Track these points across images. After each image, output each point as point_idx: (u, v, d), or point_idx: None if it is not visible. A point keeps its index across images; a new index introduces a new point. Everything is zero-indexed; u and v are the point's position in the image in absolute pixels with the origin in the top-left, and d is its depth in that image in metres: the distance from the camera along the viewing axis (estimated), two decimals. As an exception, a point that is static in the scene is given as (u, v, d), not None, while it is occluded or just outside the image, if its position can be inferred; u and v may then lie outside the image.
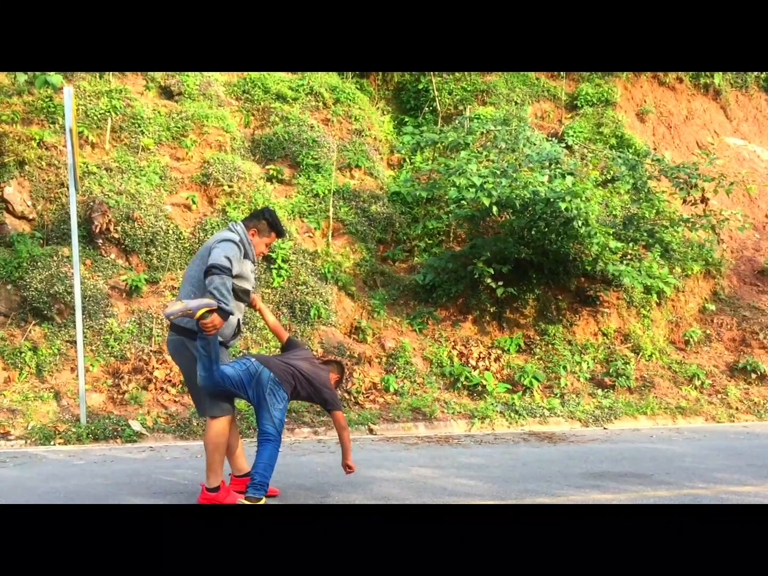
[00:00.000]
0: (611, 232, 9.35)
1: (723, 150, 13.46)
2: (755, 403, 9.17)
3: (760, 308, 11.01)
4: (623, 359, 9.42)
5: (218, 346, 4.22)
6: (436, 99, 12.22)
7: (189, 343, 4.25)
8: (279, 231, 4.63)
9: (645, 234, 10.02)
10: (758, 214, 12.92)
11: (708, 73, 14.10)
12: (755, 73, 14.80)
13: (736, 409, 9.04)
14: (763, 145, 14.34)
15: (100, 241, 8.56)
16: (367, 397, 8.14)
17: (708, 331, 10.50)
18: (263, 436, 4.35)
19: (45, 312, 7.91)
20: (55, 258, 8.22)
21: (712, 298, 11.08)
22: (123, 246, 8.65)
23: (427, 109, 12.27)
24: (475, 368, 8.83)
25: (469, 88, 12.51)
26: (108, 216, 8.54)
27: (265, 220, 4.54)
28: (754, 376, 9.68)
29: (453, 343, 9.23)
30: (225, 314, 4.07)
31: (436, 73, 12.48)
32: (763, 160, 13.99)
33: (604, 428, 8.12)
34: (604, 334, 9.89)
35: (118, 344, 7.92)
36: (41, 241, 8.52)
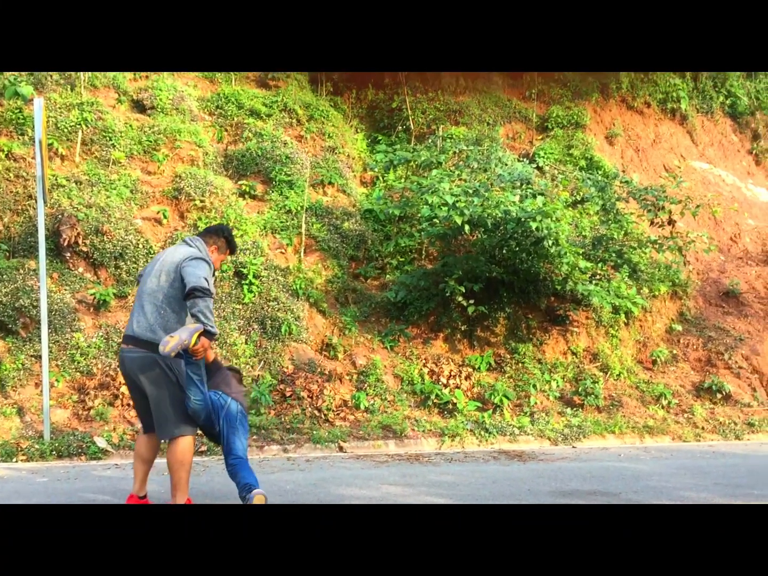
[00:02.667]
0: (581, 252, 9.48)
1: (689, 173, 13.75)
2: (720, 422, 9.31)
3: (725, 329, 11.22)
4: (592, 378, 9.51)
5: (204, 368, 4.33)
6: (410, 118, 12.32)
7: (161, 360, 4.18)
8: (234, 249, 4.79)
9: (613, 254, 10.16)
10: (723, 237, 13.20)
11: (675, 98, 14.44)
12: (720, 98, 15.20)
13: (702, 428, 9.16)
14: (728, 169, 14.68)
15: (68, 254, 8.44)
16: (338, 414, 8.09)
17: (675, 351, 10.66)
18: (237, 460, 4.42)
19: (9, 326, 7.75)
20: (22, 271, 8.07)
21: (679, 318, 11.27)
22: (91, 260, 8.53)
23: (400, 127, 12.36)
24: (445, 386, 8.85)
25: (442, 108, 12.64)
26: (77, 229, 8.43)
27: (224, 238, 4.65)
28: (719, 396, 9.84)
29: (424, 361, 9.24)
30: (212, 336, 4.14)
31: (410, 92, 12.59)
32: (728, 184, 14.32)
33: (573, 447, 8.17)
34: (573, 353, 9.98)
35: (84, 359, 7.78)
36: (7, 254, 8.37)
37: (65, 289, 8.25)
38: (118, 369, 7.62)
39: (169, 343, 3.99)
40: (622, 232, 10.54)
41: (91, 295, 8.27)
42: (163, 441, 4.54)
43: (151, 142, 9.95)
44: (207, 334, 4.09)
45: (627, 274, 10.13)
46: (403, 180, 11.17)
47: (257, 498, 4.16)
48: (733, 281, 12.13)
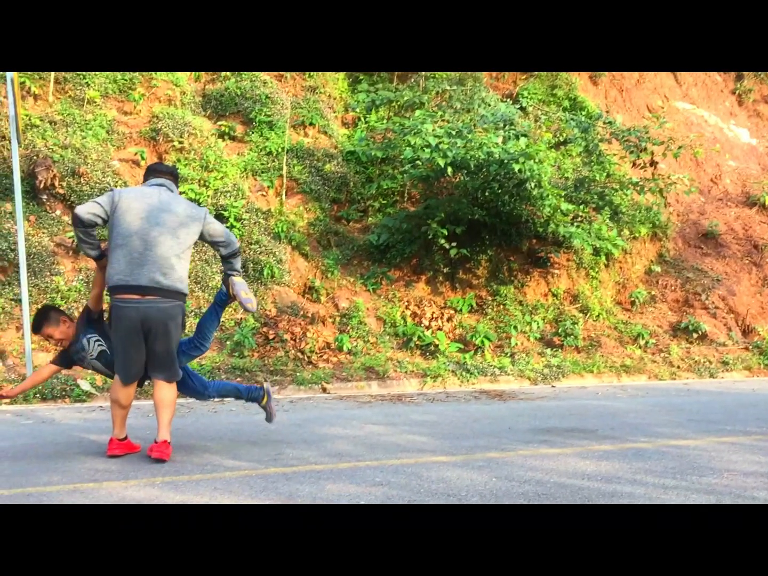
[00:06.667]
0: (563, 194, 9.47)
1: (672, 114, 13.68)
2: (696, 361, 9.51)
3: (703, 270, 11.36)
4: (572, 319, 9.64)
5: None
6: (392, 57, 12.05)
7: (182, 309, 4.33)
8: None
9: (595, 196, 10.17)
10: (704, 179, 13.23)
11: (660, 38, 14.23)
12: (705, 38, 15.01)
13: (678, 367, 9.36)
14: (710, 110, 14.62)
15: (45, 196, 8.29)
16: (321, 356, 8.16)
17: (653, 292, 10.80)
18: (210, 380, 4.93)
19: (-13, 270, 7.66)
20: (-3, 214, 7.93)
21: (658, 260, 11.38)
22: (69, 202, 8.39)
23: (382, 66, 12.10)
24: (428, 328, 8.93)
25: (424, 47, 12.37)
26: (52, 171, 8.26)
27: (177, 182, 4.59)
28: (695, 335, 10.03)
29: (406, 303, 9.29)
30: None
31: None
32: (710, 125, 14.28)
33: (553, 386, 8.33)
34: (554, 295, 10.08)
35: (65, 303, 7.74)
36: (-18, 197, 8.21)
37: (43, 233, 8.13)
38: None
39: (252, 300, 4.37)
40: (604, 174, 10.53)
41: (70, 238, 8.16)
42: (147, 383, 4.56)
43: (126, 80, 9.69)
44: None
45: (608, 216, 10.17)
46: (385, 121, 11.01)
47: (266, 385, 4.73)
48: (712, 223, 12.22)
